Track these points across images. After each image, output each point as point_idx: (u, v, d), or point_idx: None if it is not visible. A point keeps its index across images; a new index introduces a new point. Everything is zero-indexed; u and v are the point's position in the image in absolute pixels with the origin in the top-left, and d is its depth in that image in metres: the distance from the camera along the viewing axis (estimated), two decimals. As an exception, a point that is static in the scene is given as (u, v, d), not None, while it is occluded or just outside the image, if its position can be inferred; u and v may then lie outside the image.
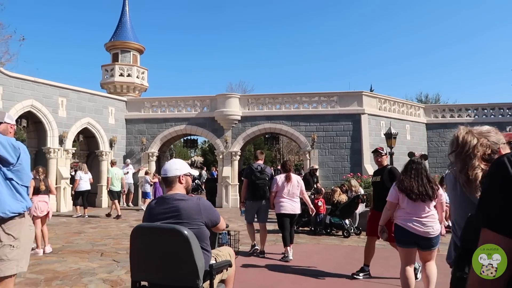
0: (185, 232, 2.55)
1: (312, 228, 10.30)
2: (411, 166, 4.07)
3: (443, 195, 4.27)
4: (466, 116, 19.63)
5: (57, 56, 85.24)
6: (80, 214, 12.77)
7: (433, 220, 4.04)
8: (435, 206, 4.11)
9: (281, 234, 6.96)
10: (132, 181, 16.17)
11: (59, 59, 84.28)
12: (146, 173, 15.23)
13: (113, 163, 13.97)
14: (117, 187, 13.26)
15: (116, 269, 6.19)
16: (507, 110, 19.93)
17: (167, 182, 2.89)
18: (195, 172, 3.31)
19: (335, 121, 16.60)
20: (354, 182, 10.75)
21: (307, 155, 16.52)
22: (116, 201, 12.94)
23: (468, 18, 78.86)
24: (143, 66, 19.36)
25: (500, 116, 19.77)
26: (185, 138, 18.85)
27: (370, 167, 16.10)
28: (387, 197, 4.24)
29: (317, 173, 12.77)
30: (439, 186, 4.24)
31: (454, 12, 78.15)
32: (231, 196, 16.48)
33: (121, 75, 18.48)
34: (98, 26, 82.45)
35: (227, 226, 3.43)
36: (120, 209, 13.60)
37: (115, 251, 7.61)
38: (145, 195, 14.95)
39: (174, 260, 2.62)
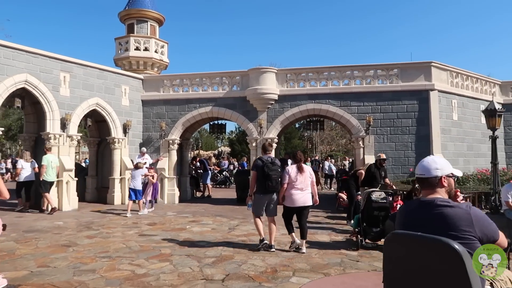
0: (457, 247, 2.00)
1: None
2: None
3: None
4: (555, 94, 15.86)
5: (63, 30, 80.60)
6: (22, 207, 11.51)
7: None
8: None
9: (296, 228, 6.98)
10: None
11: (66, 34, 79.72)
12: (137, 166, 11.55)
13: (47, 149, 11.64)
14: (51, 177, 11.43)
15: None
16: None
17: (425, 183, 2.45)
18: (459, 173, 2.62)
19: (395, 100, 13.32)
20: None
21: (361, 142, 13.36)
22: (48, 194, 11.30)
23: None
24: (162, 39, 16.63)
25: None
26: (211, 123, 16.07)
27: (441, 157, 12.78)
28: None
29: (385, 165, 9.64)
30: None
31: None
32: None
33: (137, 48, 15.79)
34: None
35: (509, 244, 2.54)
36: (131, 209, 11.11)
37: (103, 287, 4.90)
38: (134, 194, 11.25)
39: (440, 282, 2.07)
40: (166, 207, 12.65)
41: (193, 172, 17.01)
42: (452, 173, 2.47)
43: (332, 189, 20.21)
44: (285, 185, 6.75)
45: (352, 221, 9.46)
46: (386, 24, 73.72)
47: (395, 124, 13.27)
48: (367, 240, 7.47)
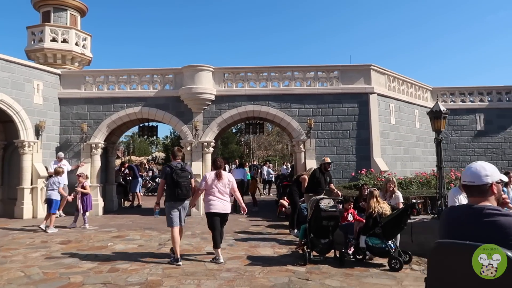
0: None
1: (338, 255, 6.62)
2: None
3: None
4: (479, 101, 16.71)
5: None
6: None
7: None
8: None
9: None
10: (67, 182, 11.74)
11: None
12: (57, 172, 10.12)
13: None
14: None
15: None
16: (524, 95, 17.18)
17: (475, 192, 2.22)
18: (505, 178, 2.53)
19: (336, 103, 12.99)
20: (395, 179, 7.14)
21: (302, 146, 12.81)
22: None
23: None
24: (85, 31, 14.83)
25: (515, 101, 16.99)
26: (141, 125, 14.59)
27: (381, 161, 12.68)
28: None
29: (329, 169, 9.01)
30: None
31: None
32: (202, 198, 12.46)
33: (54, 40, 13.85)
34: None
35: None
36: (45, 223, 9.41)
37: None
38: (51, 205, 9.59)
39: None
40: (87, 220, 11.00)
41: (121, 179, 15.37)
42: (500, 179, 2.27)
43: (271, 194, 19.60)
44: (200, 191, 6.72)
45: (296, 231, 8.76)
46: (326, 30, 76.18)
47: (336, 128, 12.93)
48: (314, 253, 6.75)
